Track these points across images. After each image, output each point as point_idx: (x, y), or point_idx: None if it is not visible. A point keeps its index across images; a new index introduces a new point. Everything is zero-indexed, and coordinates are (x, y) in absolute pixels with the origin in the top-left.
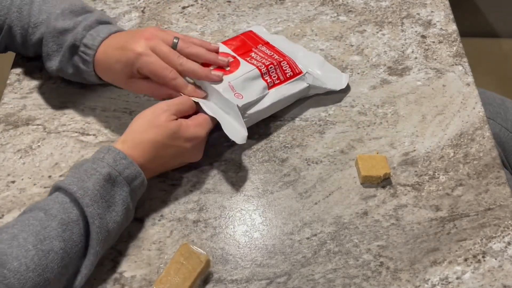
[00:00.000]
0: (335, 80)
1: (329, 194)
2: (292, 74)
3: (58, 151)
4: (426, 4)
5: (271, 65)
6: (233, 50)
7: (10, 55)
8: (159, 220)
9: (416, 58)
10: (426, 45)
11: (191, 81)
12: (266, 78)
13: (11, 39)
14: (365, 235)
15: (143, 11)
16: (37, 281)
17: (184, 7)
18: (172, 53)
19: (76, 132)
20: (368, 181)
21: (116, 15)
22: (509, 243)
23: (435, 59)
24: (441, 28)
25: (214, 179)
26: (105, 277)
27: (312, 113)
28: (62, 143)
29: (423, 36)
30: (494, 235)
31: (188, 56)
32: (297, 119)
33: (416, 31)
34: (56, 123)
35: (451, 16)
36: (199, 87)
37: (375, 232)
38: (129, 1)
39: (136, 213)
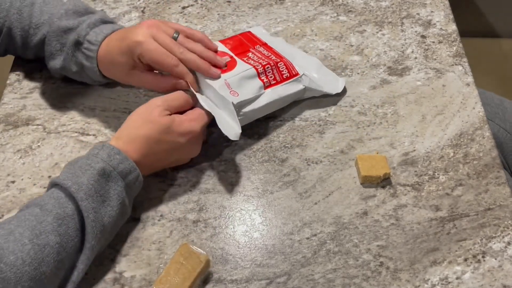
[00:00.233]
0: (331, 84)
1: (329, 194)
2: (288, 75)
3: (58, 151)
4: (426, 4)
5: (268, 65)
6: (230, 49)
7: (10, 55)
8: (159, 220)
9: (416, 58)
10: (426, 45)
11: None
12: (262, 78)
13: (11, 41)
14: (365, 235)
15: (143, 11)
16: (33, 274)
17: (184, 7)
18: (173, 41)
19: (76, 132)
20: (368, 181)
21: (116, 15)
22: (509, 243)
23: (435, 59)
24: (441, 28)
25: (214, 179)
26: (105, 277)
27: (312, 113)
28: (62, 143)
29: (423, 36)
30: (494, 235)
31: None
32: (297, 119)
33: (416, 31)
34: (56, 123)
35: (451, 16)
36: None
37: (375, 232)
38: (129, 1)
39: (136, 213)
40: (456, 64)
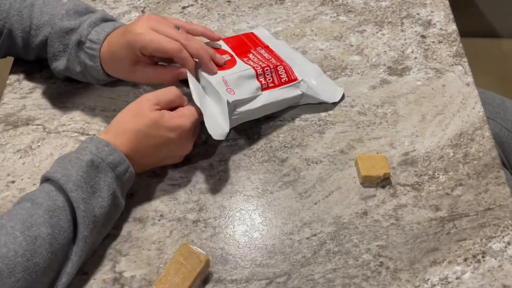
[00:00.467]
0: (329, 93)
1: (329, 194)
2: (287, 80)
3: (58, 151)
4: (426, 4)
5: (267, 68)
6: (231, 48)
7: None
8: (159, 220)
9: (416, 58)
10: (426, 45)
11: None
12: (260, 79)
13: (11, 43)
14: (364, 235)
15: (143, 11)
16: (26, 266)
17: (184, 7)
18: (175, 30)
19: (76, 132)
20: (367, 181)
21: (116, 15)
22: (508, 243)
23: (435, 59)
24: (441, 28)
25: (214, 179)
26: (105, 277)
27: (312, 113)
28: (62, 143)
29: (423, 36)
30: (493, 235)
31: None
32: (297, 119)
33: (416, 31)
34: (56, 123)
35: (451, 16)
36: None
37: (375, 232)
38: (129, 1)
39: (136, 213)
40: (456, 64)
